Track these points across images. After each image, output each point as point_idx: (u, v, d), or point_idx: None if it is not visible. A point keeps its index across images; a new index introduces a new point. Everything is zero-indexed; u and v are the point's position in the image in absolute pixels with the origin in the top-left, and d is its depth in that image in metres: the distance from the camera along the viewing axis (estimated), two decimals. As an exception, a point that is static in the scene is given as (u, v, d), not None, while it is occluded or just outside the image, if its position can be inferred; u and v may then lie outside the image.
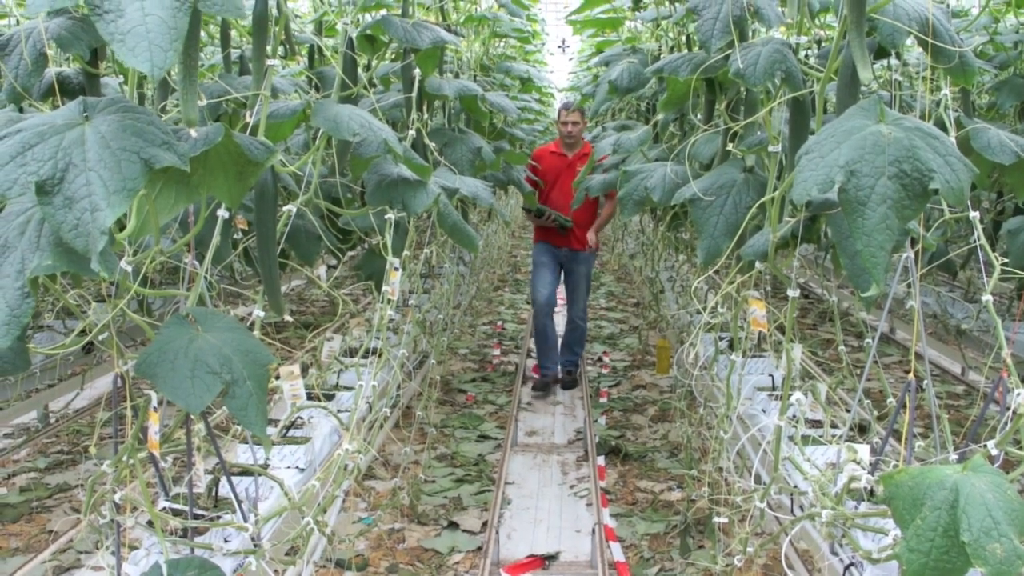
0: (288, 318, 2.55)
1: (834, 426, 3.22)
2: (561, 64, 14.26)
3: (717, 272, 3.83)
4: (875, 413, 3.37)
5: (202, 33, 2.98)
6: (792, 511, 3.04)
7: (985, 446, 2.03)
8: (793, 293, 2.37)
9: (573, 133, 6.89)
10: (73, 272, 1.62)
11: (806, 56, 3.78)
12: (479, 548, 4.43)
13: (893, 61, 3.05)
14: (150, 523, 2.29)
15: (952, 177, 1.66)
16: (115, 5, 1.47)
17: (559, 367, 7.43)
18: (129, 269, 2.01)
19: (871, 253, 1.63)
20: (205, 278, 2.21)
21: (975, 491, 1.76)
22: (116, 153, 1.56)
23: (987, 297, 2.25)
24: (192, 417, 2.30)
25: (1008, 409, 2.09)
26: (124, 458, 2.20)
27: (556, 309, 7.37)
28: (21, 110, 2.49)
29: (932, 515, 1.77)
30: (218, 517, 2.49)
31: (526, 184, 6.20)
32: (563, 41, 14.13)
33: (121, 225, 1.79)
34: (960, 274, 6.47)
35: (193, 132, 1.77)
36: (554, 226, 6.98)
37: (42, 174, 1.53)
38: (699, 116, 3.37)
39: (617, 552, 4.33)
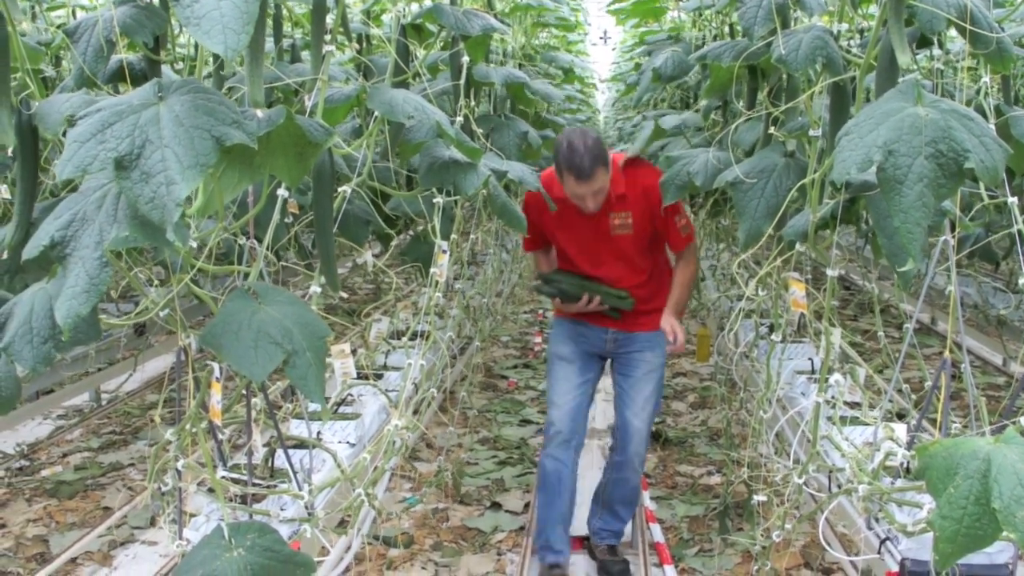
0: (344, 295, 2.65)
1: (872, 407, 3.26)
2: (603, 55, 14.27)
3: (758, 263, 3.88)
4: (913, 398, 3.41)
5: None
6: (829, 491, 3.09)
7: (1017, 421, 2.08)
8: (833, 273, 2.43)
9: (592, 208, 3.80)
10: (149, 244, 1.72)
11: (848, 45, 3.82)
12: (521, 528, 4.53)
13: (936, 51, 3.09)
14: (210, 490, 2.40)
15: (986, 156, 1.73)
16: (191, -10, 1.57)
17: (587, 540, 4.34)
18: (195, 245, 2.11)
19: (908, 230, 1.70)
20: (265, 256, 2.31)
21: (1007, 461, 1.82)
22: (189, 131, 1.65)
23: (1024, 281, 2.29)
24: (252, 389, 2.40)
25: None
26: (187, 427, 2.31)
27: (587, 441, 4.58)
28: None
29: (964, 484, 1.83)
30: (275, 486, 2.59)
31: None
32: (604, 32, 14.16)
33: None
34: (1003, 266, 6.46)
35: (259, 113, 1.87)
36: (602, 310, 4.01)
37: (121, 150, 1.63)
38: (741, 103, 3.43)
39: (657, 533, 4.40)
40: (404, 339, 4.03)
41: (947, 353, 2.24)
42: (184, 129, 1.64)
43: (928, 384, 3.14)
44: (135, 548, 4.45)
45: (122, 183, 1.63)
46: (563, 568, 3.95)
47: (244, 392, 2.42)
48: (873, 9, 3.78)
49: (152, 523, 4.62)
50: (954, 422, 2.64)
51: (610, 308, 3.97)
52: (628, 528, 4.29)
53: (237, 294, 2.12)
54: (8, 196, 3.18)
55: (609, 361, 4.18)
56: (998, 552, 2.36)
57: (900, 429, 2.71)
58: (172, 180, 1.60)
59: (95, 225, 1.75)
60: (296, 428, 3.08)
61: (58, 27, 4.11)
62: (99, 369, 6.19)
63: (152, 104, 1.70)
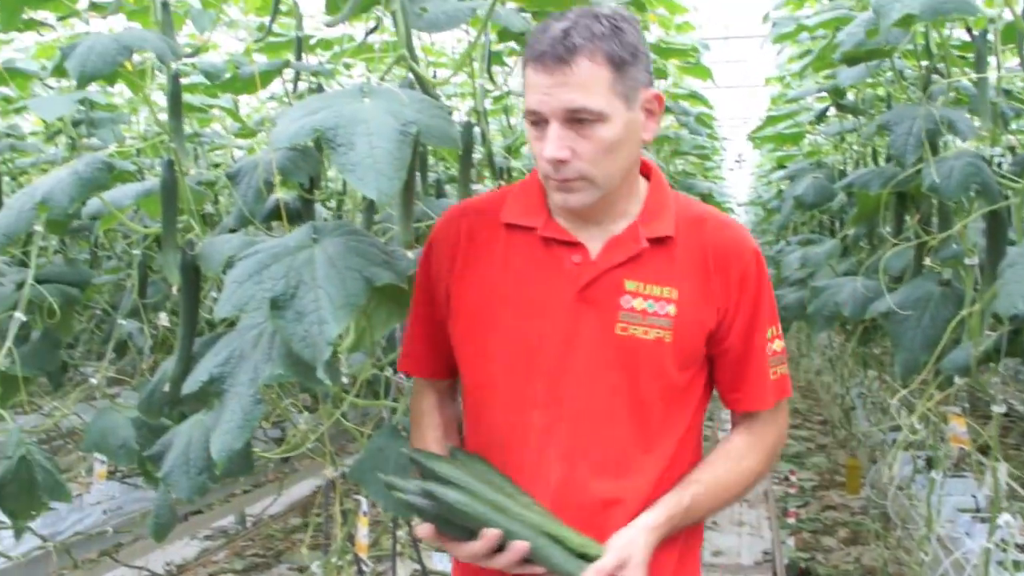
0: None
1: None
2: (738, 178, 14.16)
3: (905, 386, 3.72)
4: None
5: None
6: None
7: None
8: (999, 409, 2.31)
9: (547, 155, 1.57)
10: (301, 381, 1.75)
11: (1000, 165, 3.72)
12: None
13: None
14: (354, 624, 2.39)
15: None
16: (347, 139, 1.63)
17: None
18: (346, 381, 2.16)
19: (1084, 366, 1.61)
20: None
21: None
22: (341, 272, 1.70)
23: None
24: (398, 522, 2.41)
25: None
26: (333, 560, 2.32)
27: None
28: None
29: None
30: (416, 622, 2.56)
31: None
32: (739, 156, 14.12)
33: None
34: None
35: (410, 254, 1.91)
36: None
37: (276, 290, 1.68)
38: (888, 228, 3.34)
39: None
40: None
41: None
42: (336, 270, 1.69)
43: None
44: (278, 676, 4.44)
45: (276, 322, 1.68)
46: None
47: (391, 525, 2.43)
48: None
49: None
50: None
51: None
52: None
53: (384, 431, 2.14)
54: (167, 324, 3.32)
55: None
56: None
57: (1080, 576, 2.51)
58: (324, 319, 1.64)
59: (250, 362, 1.80)
60: (440, 562, 3.05)
61: (215, 166, 4.33)
62: (245, 492, 6.31)
63: (307, 246, 1.76)
